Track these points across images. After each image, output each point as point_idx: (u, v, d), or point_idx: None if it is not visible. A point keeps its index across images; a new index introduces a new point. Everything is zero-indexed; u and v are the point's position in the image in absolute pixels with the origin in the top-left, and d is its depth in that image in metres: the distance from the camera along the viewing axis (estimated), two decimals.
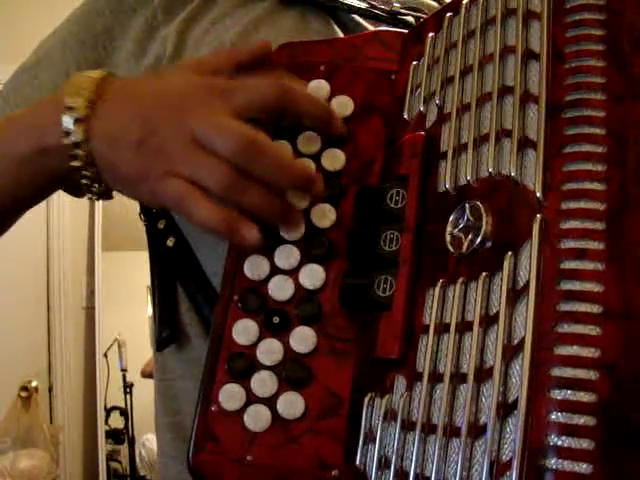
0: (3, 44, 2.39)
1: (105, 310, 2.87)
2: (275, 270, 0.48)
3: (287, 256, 0.48)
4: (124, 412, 3.16)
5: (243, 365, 0.47)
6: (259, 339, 0.47)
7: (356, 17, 0.64)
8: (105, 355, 2.98)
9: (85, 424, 2.82)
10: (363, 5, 0.62)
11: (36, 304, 2.68)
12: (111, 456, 3.07)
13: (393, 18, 0.61)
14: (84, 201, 2.74)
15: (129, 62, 0.63)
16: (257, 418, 0.46)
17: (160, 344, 0.61)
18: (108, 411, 3.05)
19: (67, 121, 0.46)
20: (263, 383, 0.46)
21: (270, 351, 0.47)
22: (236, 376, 0.47)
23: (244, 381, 0.46)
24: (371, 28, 0.63)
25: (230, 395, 0.46)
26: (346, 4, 0.62)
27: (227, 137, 0.43)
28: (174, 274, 0.63)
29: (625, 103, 0.39)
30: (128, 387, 3.18)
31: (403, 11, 0.61)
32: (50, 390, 2.69)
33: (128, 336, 3.10)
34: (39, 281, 2.69)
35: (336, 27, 0.64)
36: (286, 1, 0.64)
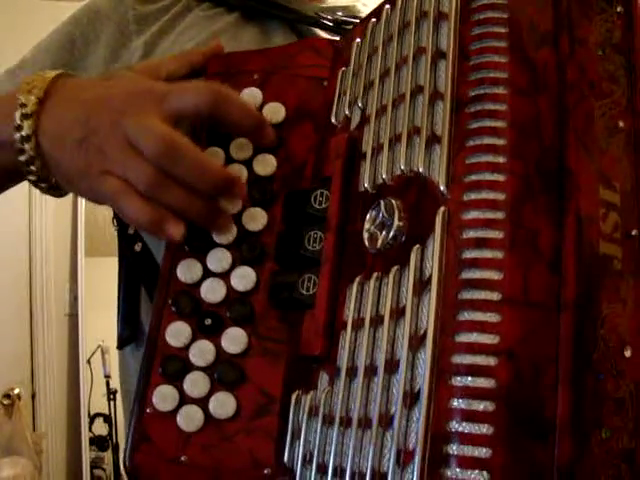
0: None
1: (88, 316, 2.84)
2: (207, 273, 0.49)
3: (219, 259, 0.49)
4: (108, 419, 3.11)
5: (176, 367, 0.47)
6: (192, 341, 0.48)
7: (315, 29, 0.66)
8: (88, 362, 2.95)
9: (69, 431, 2.80)
10: (310, 13, 0.64)
11: (18, 311, 2.68)
12: (95, 463, 3.02)
13: (338, 27, 0.63)
14: (67, 207, 2.74)
15: (99, 67, 0.66)
16: (190, 419, 0.46)
17: (120, 343, 0.63)
18: (92, 418, 3.01)
19: (17, 117, 0.48)
20: (195, 384, 0.47)
21: (202, 352, 0.47)
22: (169, 378, 0.47)
23: (177, 383, 0.47)
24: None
25: (163, 396, 0.47)
26: (296, 13, 0.64)
27: (150, 138, 0.45)
28: (139, 277, 0.64)
29: (528, 97, 0.40)
30: (112, 394, 3.13)
31: (345, 19, 0.63)
32: (33, 397, 2.68)
33: (111, 342, 3.05)
34: (21, 288, 2.68)
35: (297, 39, 0.65)
36: (248, 16, 0.66)
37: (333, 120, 0.51)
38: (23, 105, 0.48)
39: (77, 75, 0.55)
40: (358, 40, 0.51)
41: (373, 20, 0.50)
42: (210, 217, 0.48)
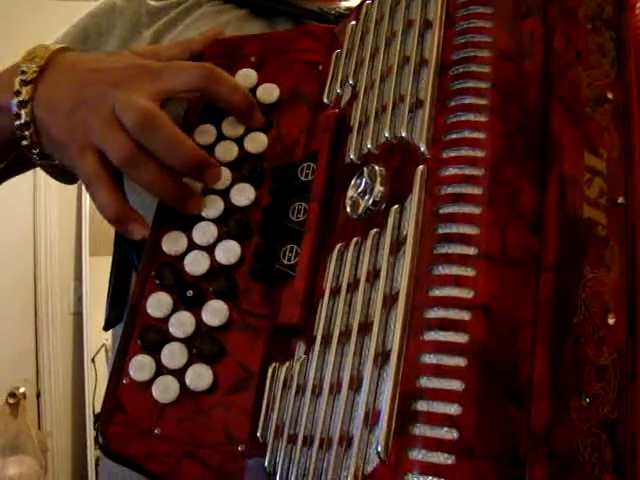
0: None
1: (92, 315, 2.81)
2: (192, 246, 0.49)
3: (204, 232, 0.49)
4: None
5: (155, 337, 0.47)
6: (172, 312, 0.47)
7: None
8: (92, 360, 2.90)
9: (74, 430, 2.78)
10: (315, 8, 0.65)
11: (23, 310, 2.68)
12: (99, 461, 2.97)
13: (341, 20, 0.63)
14: (71, 206, 2.73)
15: None
16: (165, 390, 0.45)
17: (107, 324, 0.63)
18: (96, 416, 2.96)
19: (17, 82, 0.50)
20: (172, 354, 0.46)
21: (182, 323, 0.47)
22: (148, 348, 0.46)
23: (155, 353, 0.46)
24: None
25: (140, 366, 0.46)
26: (301, 9, 0.65)
27: (131, 111, 0.46)
28: (131, 262, 0.64)
29: (512, 61, 0.40)
30: None
31: (347, 13, 0.63)
32: (38, 396, 2.67)
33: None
34: (26, 287, 2.69)
35: None
36: (256, 12, 0.68)
37: (325, 100, 0.51)
38: (23, 72, 0.50)
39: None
40: (353, 22, 0.51)
41: (367, 2, 0.50)
42: (180, 198, 0.49)
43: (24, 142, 0.51)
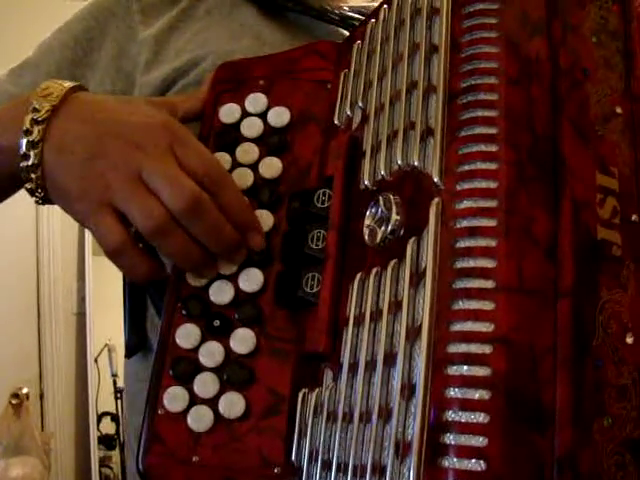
0: None
1: (95, 315, 2.81)
2: (216, 276, 0.50)
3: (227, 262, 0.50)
4: (115, 417, 3.04)
5: (186, 368, 0.48)
6: (201, 342, 0.49)
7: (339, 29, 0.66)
8: (95, 361, 2.91)
9: (77, 430, 2.81)
10: (317, 6, 0.64)
11: (26, 311, 2.69)
12: (102, 462, 2.97)
13: (344, 21, 0.63)
14: None
15: (107, 64, 0.66)
16: (200, 419, 0.47)
17: (129, 351, 0.63)
18: (99, 417, 2.96)
19: (28, 121, 0.47)
20: (204, 384, 0.47)
21: (211, 353, 0.48)
22: (180, 379, 0.48)
23: (188, 384, 0.48)
24: None
25: (174, 397, 0.48)
26: (302, 4, 0.64)
27: (177, 192, 0.44)
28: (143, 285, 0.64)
29: (520, 86, 0.40)
30: (119, 392, 3.03)
31: (351, 15, 0.63)
32: (41, 397, 2.70)
33: (118, 341, 2.91)
34: (29, 288, 2.70)
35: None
36: (270, 13, 0.66)
37: (336, 121, 0.51)
38: (35, 110, 0.47)
39: (88, 88, 0.56)
40: (358, 42, 0.51)
41: (372, 21, 0.50)
42: (200, 267, 0.49)
43: (28, 185, 0.48)
